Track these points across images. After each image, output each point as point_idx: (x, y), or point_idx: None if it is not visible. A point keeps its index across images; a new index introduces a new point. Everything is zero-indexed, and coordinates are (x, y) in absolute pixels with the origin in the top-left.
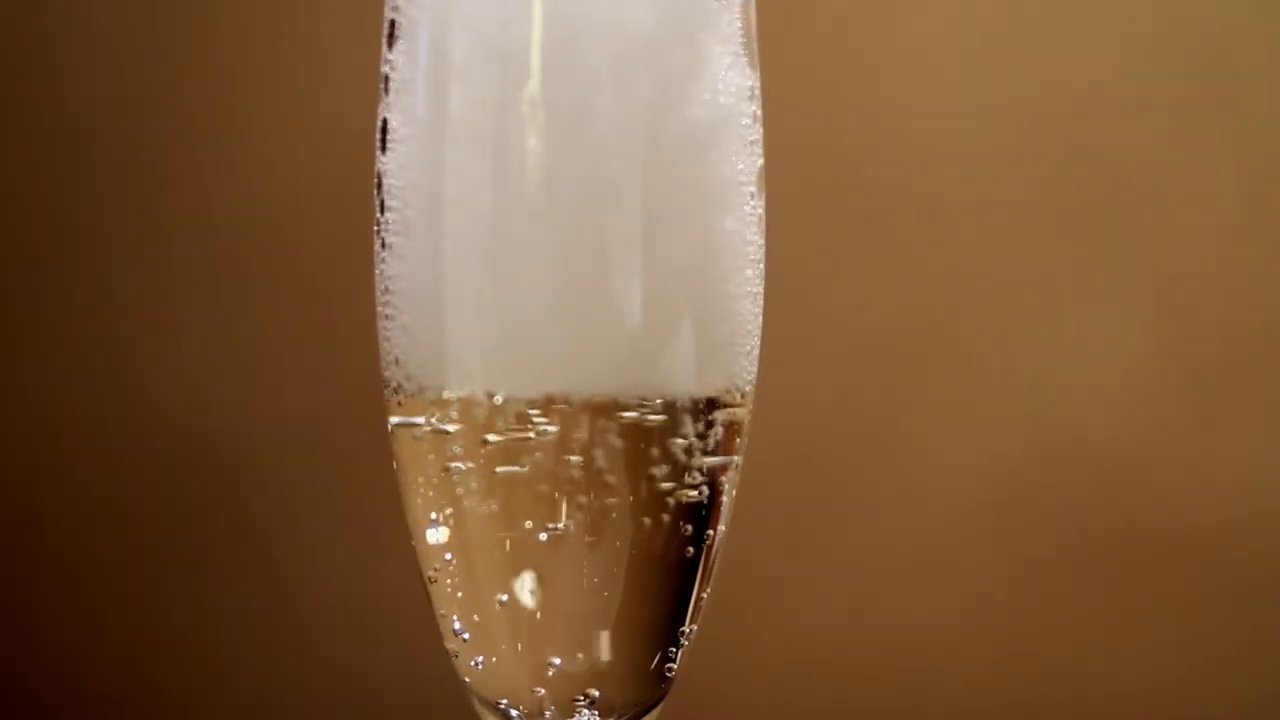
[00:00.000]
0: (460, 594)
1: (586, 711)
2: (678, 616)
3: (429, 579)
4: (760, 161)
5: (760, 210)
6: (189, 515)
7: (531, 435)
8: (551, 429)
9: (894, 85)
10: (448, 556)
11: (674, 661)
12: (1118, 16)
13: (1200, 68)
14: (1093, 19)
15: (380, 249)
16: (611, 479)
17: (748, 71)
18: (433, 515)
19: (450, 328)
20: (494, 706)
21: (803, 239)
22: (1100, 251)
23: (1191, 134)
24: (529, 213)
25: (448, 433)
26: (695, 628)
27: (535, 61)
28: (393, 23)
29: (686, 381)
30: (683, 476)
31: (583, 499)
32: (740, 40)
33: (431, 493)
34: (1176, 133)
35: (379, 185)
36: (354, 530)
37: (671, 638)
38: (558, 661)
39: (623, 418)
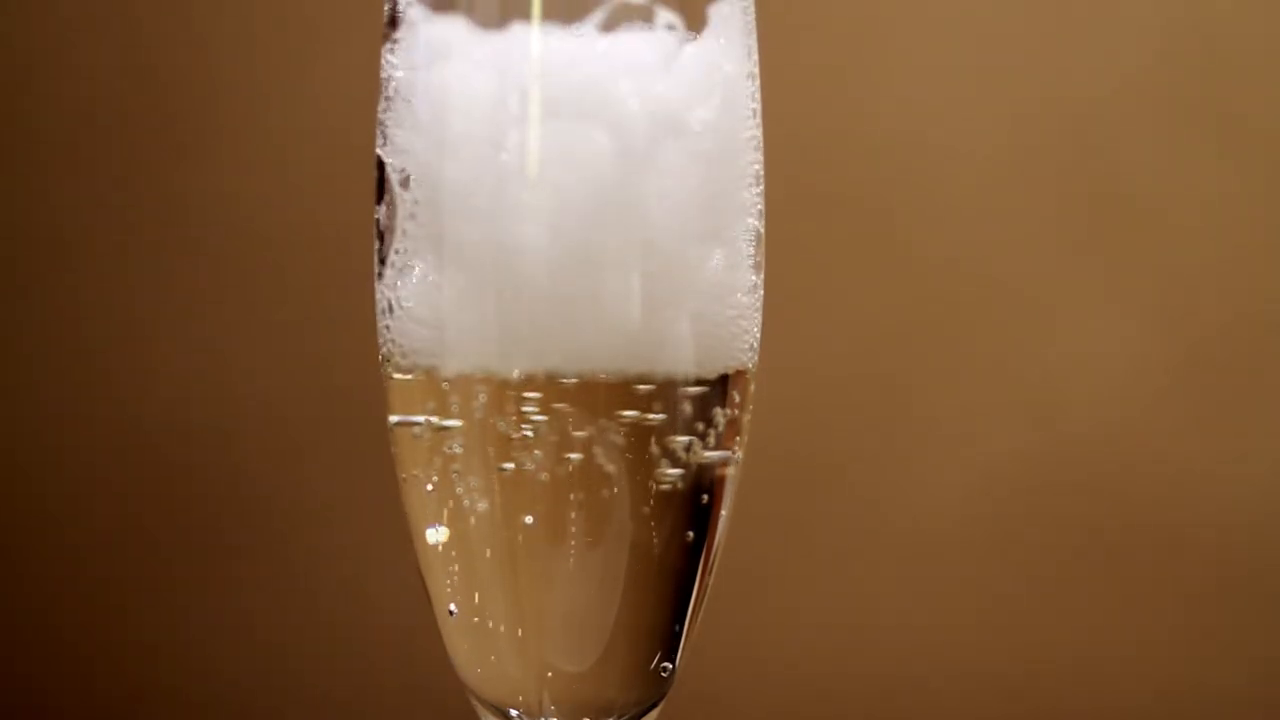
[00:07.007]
0: (459, 594)
1: (585, 711)
2: (678, 615)
3: (427, 578)
4: (760, 155)
5: (760, 205)
6: (188, 514)
7: (529, 428)
8: (549, 420)
9: (895, 82)
10: (446, 555)
11: (674, 661)
12: (1118, 17)
13: (1200, 69)
14: (1093, 20)
15: (378, 226)
16: (611, 470)
17: (748, 54)
18: (430, 511)
19: (448, 305)
20: (493, 706)
21: (803, 237)
22: (1100, 251)
23: (1191, 135)
24: (529, 198)
25: (445, 427)
26: (694, 626)
27: (535, 46)
28: (392, 13)
29: (686, 372)
30: (683, 471)
31: (582, 492)
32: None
33: (429, 487)
34: (1176, 134)
35: (379, 167)
36: (354, 529)
37: (671, 636)
38: (557, 661)
39: (622, 415)
